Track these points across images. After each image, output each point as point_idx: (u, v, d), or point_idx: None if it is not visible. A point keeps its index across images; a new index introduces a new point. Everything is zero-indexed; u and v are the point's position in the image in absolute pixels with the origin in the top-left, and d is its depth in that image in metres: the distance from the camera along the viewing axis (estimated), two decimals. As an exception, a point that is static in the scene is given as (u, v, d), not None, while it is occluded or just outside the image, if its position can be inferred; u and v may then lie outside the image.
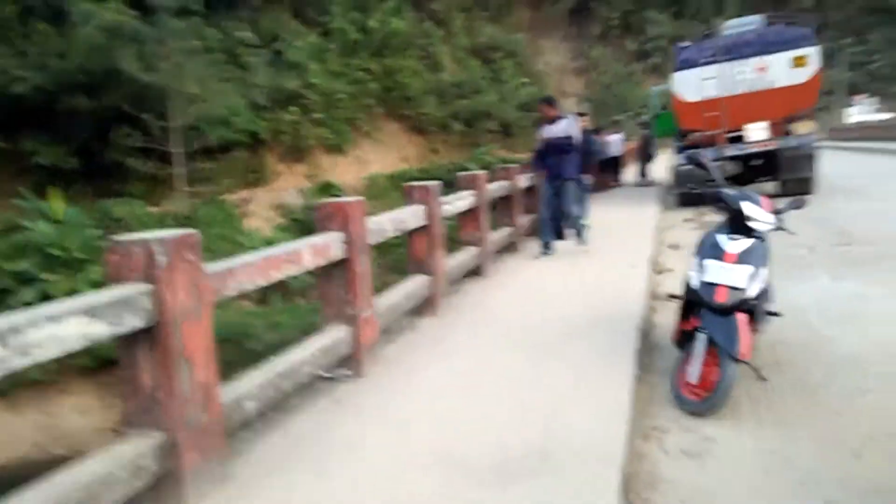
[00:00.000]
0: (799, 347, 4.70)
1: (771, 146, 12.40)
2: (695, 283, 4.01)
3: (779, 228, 4.21)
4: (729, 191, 4.36)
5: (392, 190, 20.57)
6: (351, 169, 21.74)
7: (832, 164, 17.00)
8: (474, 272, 7.09)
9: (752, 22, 14.19)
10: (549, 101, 8.33)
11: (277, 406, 3.82)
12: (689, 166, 12.98)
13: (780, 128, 12.39)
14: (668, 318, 5.47)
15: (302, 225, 18.23)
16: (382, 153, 23.34)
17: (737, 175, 13.01)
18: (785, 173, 12.53)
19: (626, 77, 34.92)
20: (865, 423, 3.56)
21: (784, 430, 3.56)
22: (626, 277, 6.82)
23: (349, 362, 4.32)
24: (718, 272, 3.92)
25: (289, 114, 21.60)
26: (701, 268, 4.02)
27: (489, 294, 6.64)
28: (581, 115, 11.62)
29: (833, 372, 4.28)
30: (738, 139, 12.56)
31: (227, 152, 19.95)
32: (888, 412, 3.66)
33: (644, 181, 18.78)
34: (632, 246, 8.68)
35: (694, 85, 12.52)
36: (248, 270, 3.45)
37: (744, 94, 12.36)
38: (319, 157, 21.74)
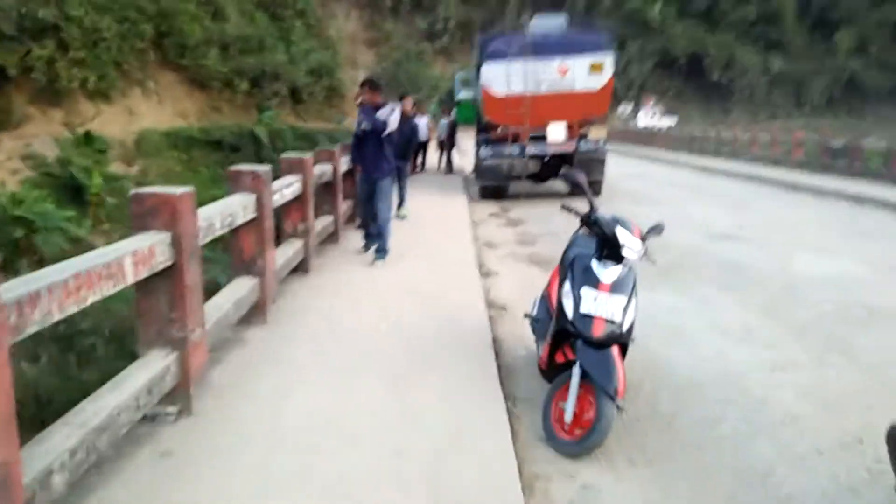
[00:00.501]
0: (641, 370, 4.72)
1: (569, 149, 12.74)
2: (569, 314, 3.79)
3: (645, 256, 4.13)
4: (604, 215, 4.20)
5: (167, 149, 18.63)
6: (118, 119, 19.31)
7: (618, 168, 18.25)
8: (298, 268, 6.42)
9: (555, 22, 14.44)
10: (374, 85, 7.37)
11: (90, 468, 2.96)
12: (493, 161, 13.22)
13: (575, 130, 12.78)
14: (511, 331, 5.29)
15: (56, 180, 15.83)
16: (157, 106, 21.03)
17: (534, 173, 13.42)
18: None
19: (416, 56, 35.01)
20: (728, 458, 3.59)
21: (657, 470, 3.48)
22: (457, 280, 6.67)
23: (175, 396, 3.52)
24: (594, 303, 3.74)
25: (42, 48, 18.58)
26: (575, 297, 3.81)
27: (319, 296, 6.06)
28: (404, 97, 11.06)
29: (681, 398, 4.33)
30: (539, 138, 12.79)
31: (-40, 87, 16.76)
32: (743, 443, 3.74)
33: (448, 169, 18.76)
34: (452, 242, 8.52)
35: (502, 79, 12.46)
36: (55, 294, 2.60)
37: (547, 95, 12.52)
38: (80, 103, 19.02)
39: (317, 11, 32.84)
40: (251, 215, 4.78)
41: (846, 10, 41.96)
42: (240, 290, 4.69)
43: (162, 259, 3.40)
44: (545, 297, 4.54)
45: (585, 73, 12.51)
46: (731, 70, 40.00)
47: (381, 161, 7.31)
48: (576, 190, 13.74)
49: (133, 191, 3.80)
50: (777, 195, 15.18)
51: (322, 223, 7.71)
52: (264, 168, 5.05)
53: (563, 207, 4.21)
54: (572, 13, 36.46)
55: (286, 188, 5.89)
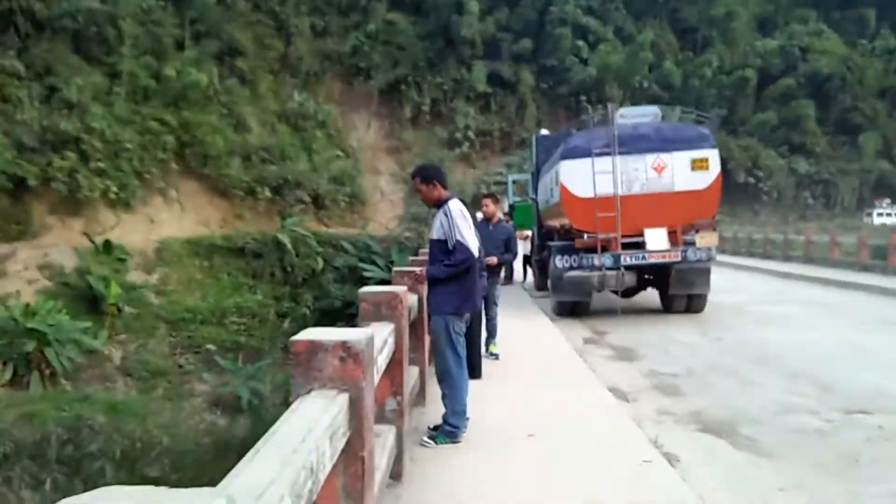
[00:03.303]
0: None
1: (674, 258, 10.61)
2: None
3: None
4: None
5: (188, 257, 17.82)
6: (139, 228, 18.64)
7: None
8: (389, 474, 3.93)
9: (647, 113, 12.40)
10: (425, 175, 4.93)
11: None
12: (578, 273, 10.66)
13: (678, 236, 10.76)
14: None
15: (73, 291, 14.91)
16: (178, 214, 20.43)
17: (629, 288, 11.53)
18: (677, 287, 11.03)
19: (438, 162, 34.93)
20: None
21: None
22: (643, 485, 4.11)
23: None
24: None
25: (63, 159, 18.20)
26: None
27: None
28: (487, 196, 8.67)
29: None
30: (633, 245, 10.77)
31: (-20, 197, 16.21)
32: None
33: (507, 279, 17.15)
34: (578, 399, 6.13)
35: (585, 178, 10.62)
36: None
37: (640, 195, 10.66)
38: (101, 213, 18.43)
39: (337, 122, 32.99)
40: (340, 443, 2.17)
41: (867, 116, 42.45)
42: None
43: None
44: None
45: (687, 170, 10.68)
46: (756, 172, 39.77)
47: (432, 291, 4.98)
48: (671, 304, 11.41)
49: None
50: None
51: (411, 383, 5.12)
52: (362, 334, 2.41)
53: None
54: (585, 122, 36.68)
55: (379, 353, 3.21)
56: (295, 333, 2.59)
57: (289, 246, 18.45)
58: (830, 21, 46.49)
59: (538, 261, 15.47)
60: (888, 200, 39.32)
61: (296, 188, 24.57)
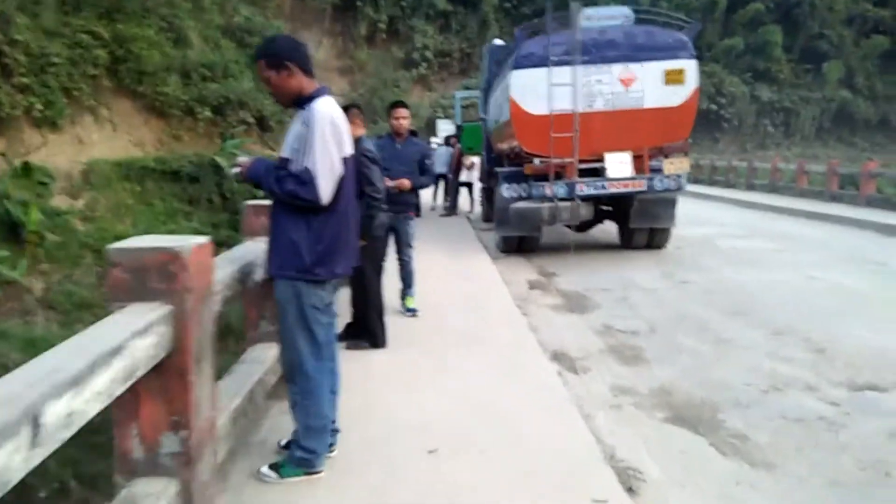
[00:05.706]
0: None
1: (638, 187, 9.37)
2: None
3: None
4: None
5: (119, 180, 16.74)
6: (67, 150, 17.44)
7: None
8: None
9: (617, 15, 10.64)
10: (273, 54, 3.10)
11: None
12: (527, 204, 9.29)
13: (644, 162, 9.50)
14: None
15: (-12, 217, 13.88)
16: (110, 135, 19.19)
17: (583, 221, 10.41)
18: (639, 221, 9.95)
19: (392, 83, 33.52)
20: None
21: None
22: None
23: None
24: None
25: (-19, 73, 16.83)
26: None
27: None
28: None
29: None
30: (591, 172, 9.44)
31: None
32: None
33: (450, 210, 15.50)
34: (510, 378, 4.76)
35: (539, 91, 9.17)
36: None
37: (603, 112, 9.37)
38: (24, 132, 17.12)
39: (287, 39, 31.34)
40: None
41: (832, 44, 41.74)
42: None
43: None
44: None
45: (659, 83, 9.40)
46: (719, 99, 39.17)
47: (272, 232, 3.26)
48: (630, 239, 10.32)
49: None
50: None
51: (240, 382, 3.42)
52: None
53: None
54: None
55: (103, 365, 1.82)
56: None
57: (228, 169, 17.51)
58: (802, -56, 45.18)
59: (485, 189, 14.49)
60: None
61: (239, 108, 23.28)
